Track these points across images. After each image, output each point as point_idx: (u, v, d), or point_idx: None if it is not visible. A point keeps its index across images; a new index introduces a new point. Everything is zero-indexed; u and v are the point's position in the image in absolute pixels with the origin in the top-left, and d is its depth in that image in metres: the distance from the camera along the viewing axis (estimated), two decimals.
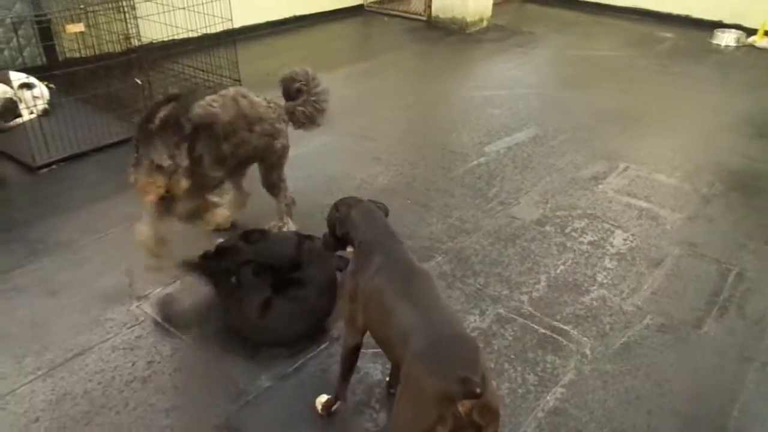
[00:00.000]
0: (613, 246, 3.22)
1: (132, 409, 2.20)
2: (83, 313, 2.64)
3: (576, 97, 5.26)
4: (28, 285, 2.79)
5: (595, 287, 2.92)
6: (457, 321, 1.75)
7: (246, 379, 2.33)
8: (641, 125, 4.69)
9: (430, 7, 7.25)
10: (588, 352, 2.54)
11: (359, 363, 2.34)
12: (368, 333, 1.98)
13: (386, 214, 2.11)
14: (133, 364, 2.39)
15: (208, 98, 2.78)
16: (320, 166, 3.89)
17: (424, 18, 7.35)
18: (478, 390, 1.48)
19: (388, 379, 2.31)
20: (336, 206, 2.10)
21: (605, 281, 2.96)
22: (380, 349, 1.94)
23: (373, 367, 2.39)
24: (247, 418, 2.18)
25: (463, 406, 1.48)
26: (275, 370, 2.38)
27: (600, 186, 3.81)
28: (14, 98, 4.32)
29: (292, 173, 3.17)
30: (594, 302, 2.82)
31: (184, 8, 4.87)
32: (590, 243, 3.25)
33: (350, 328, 2.03)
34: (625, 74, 5.87)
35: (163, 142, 2.46)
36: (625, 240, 3.28)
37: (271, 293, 2.47)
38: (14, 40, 4.86)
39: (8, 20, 4.66)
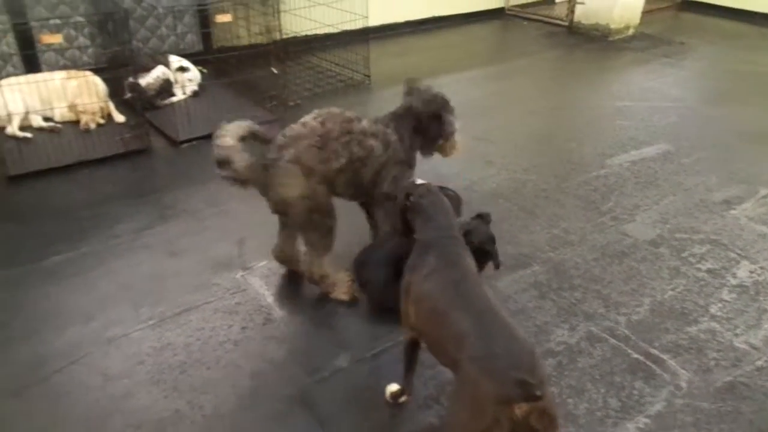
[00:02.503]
0: (735, 277, 2.94)
1: (221, 367, 2.39)
2: (195, 275, 2.90)
3: (721, 114, 4.82)
4: (153, 244, 3.12)
5: (705, 318, 2.69)
6: (513, 326, 1.72)
7: (325, 357, 2.44)
8: None
9: (573, 12, 7.00)
10: (684, 385, 2.35)
11: (434, 359, 2.38)
12: None
13: (458, 203, 2.09)
14: (229, 327, 2.59)
15: None
16: (432, 164, 3.90)
17: (565, 23, 7.11)
18: (538, 392, 1.45)
19: None
20: (407, 194, 2.12)
21: (718, 314, 2.72)
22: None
23: None
24: (320, 393, 2.28)
25: (520, 409, 1.47)
26: (354, 353, 2.46)
27: (732, 211, 3.48)
28: (171, 79, 4.82)
29: None
30: (701, 334, 2.60)
31: (324, 4, 5.13)
32: (708, 271, 2.99)
33: (404, 323, 2.06)
34: None
35: None
36: (751, 272, 2.98)
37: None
38: (179, 27, 5.41)
39: (176, 8, 5.19)
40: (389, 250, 2.59)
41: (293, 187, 2.47)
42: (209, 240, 3.16)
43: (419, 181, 2.19)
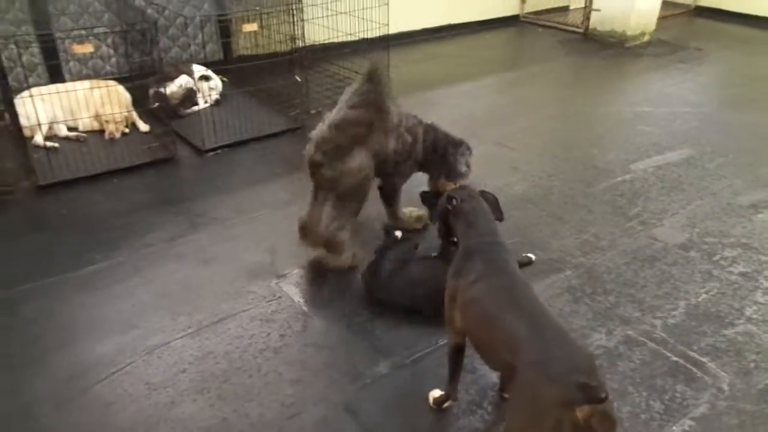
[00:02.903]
0: None
1: (263, 374, 2.40)
2: (229, 283, 2.92)
3: (742, 119, 4.83)
4: (186, 253, 3.14)
5: (741, 321, 2.69)
6: (565, 330, 1.73)
7: (366, 363, 2.45)
8: None
9: (588, 19, 7.03)
10: (726, 387, 2.35)
11: (476, 365, 2.39)
12: None
13: (496, 203, 2.13)
14: (267, 335, 2.60)
15: None
16: None
17: (580, 30, 7.13)
18: (603, 395, 1.46)
19: (500, 384, 2.31)
20: (449, 197, 2.14)
21: (755, 316, 2.72)
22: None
23: (488, 370, 2.40)
24: (363, 400, 2.29)
25: (582, 412, 1.46)
26: (394, 359, 2.47)
27: (760, 215, 3.48)
28: (194, 88, 4.86)
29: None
30: (739, 337, 2.60)
31: (346, 13, 5.17)
32: (741, 274, 2.99)
33: (449, 328, 2.07)
34: None
35: None
36: None
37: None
38: (200, 36, 5.46)
39: (197, 18, 5.24)
40: (398, 249, 2.82)
41: (356, 159, 2.79)
42: (241, 248, 3.18)
43: (460, 184, 2.21)
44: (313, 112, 4.77)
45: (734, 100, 5.27)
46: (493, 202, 2.18)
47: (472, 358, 2.33)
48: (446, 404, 2.23)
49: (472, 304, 1.91)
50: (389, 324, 2.67)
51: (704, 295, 2.85)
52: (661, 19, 7.05)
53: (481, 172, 3.77)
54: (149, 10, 5.01)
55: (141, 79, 4.58)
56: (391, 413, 2.24)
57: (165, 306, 2.76)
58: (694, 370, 2.43)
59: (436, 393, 2.25)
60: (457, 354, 2.12)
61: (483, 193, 2.18)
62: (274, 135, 4.48)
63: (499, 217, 2.16)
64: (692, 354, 2.51)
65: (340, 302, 2.81)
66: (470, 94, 5.37)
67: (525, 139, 4.52)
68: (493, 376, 2.37)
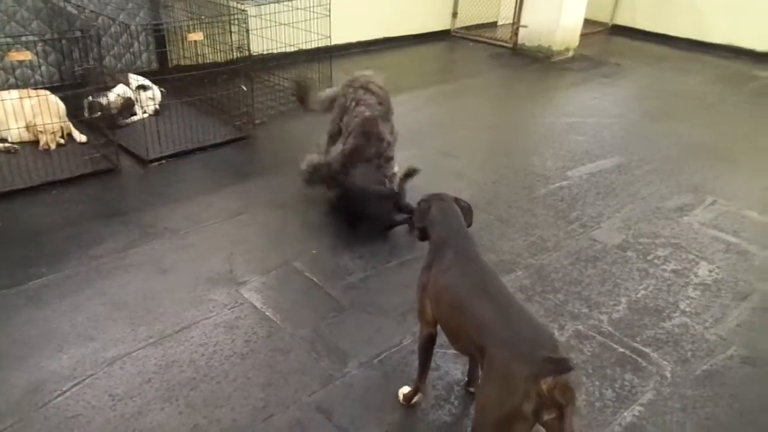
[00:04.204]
0: (697, 276, 3.21)
1: (232, 380, 2.39)
2: (189, 291, 2.88)
3: (663, 129, 5.23)
4: (141, 262, 3.07)
5: (677, 314, 2.93)
6: (530, 313, 1.89)
7: (334, 365, 2.49)
8: (730, 161, 4.63)
9: (516, 34, 7.38)
10: (668, 375, 2.55)
11: (440, 362, 2.49)
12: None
13: (469, 211, 2.26)
14: (232, 341, 2.59)
15: None
16: None
17: (509, 45, 7.47)
18: (569, 365, 1.61)
19: (467, 378, 2.41)
20: (420, 201, 2.29)
21: (688, 309, 2.96)
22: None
23: (453, 367, 2.50)
24: (335, 400, 2.33)
25: (546, 384, 1.61)
26: (360, 360, 2.53)
27: (685, 218, 3.79)
28: (132, 98, 4.74)
29: None
30: (675, 328, 2.83)
31: (287, 24, 5.21)
32: (673, 271, 3.25)
33: (422, 319, 2.18)
34: (716, 110, 5.79)
35: None
36: (710, 271, 3.26)
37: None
38: (135, 45, 5.33)
39: (132, 27, 5.11)
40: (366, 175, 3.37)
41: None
42: (197, 257, 3.15)
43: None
44: (258, 122, 4.76)
45: (653, 111, 5.69)
46: (466, 209, 2.30)
47: (436, 355, 2.43)
48: (415, 399, 2.30)
49: (444, 290, 2.03)
50: (354, 326, 2.72)
51: (643, 291, 3.08)
52: (582, 36, 7.50)
53: (428, 179, 3.90)
54: (83, 17, 4.85)
55: (75, 88, 4.42)
56: (363, 411, 2.29)
57: (123, 317, 2.69)
58: (639, 360, 2.63)
59: (405, 389, 2.32)
60: (428, 345, 2.21)
61: (457, 200, 2.30)
62: (220, 145, 4.44)
63: (469, 222, 2.27)
64: (636, 345, 2.71)
65: (304, 307, 2.84)
66: (410, 105, 5.52)
67: (467, 147, 4.70)
68: (458, 373, 2.47)
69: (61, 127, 4.29)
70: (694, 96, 6.16)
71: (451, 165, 4.34)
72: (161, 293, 2.85)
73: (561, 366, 1.62)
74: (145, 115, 4.78)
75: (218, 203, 3.67)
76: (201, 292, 2.88)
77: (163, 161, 4.17)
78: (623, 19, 8.49)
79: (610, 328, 2.80)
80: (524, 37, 7.31)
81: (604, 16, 8.51)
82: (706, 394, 2.47)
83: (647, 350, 2.68)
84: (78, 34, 3.92)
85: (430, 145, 4.59)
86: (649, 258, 3.36)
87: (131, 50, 5.34)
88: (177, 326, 2.66)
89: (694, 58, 7.52)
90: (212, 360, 2.49)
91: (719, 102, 6.01)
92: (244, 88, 4.49)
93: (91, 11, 4.88)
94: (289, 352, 2.56)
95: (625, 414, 2.35)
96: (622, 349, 2.68)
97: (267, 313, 2.77)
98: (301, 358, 2.53)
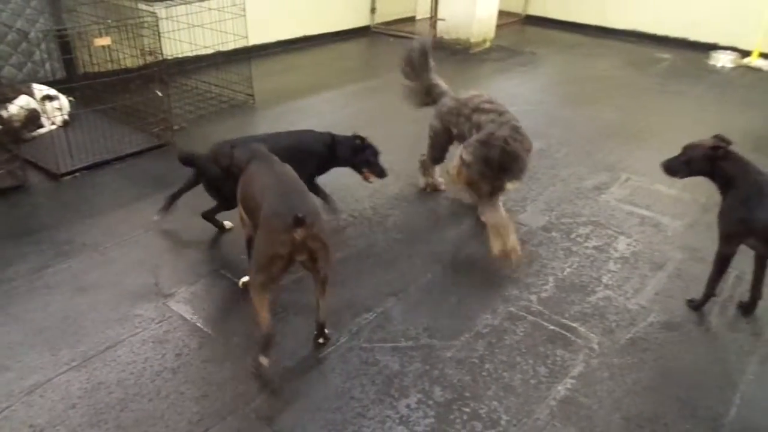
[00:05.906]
0: (616, 250, 3.36)
1: (164, 397, 2.31)
2: (112, 309, 2.76)
3: (578, 113, 5.43)
4: (58, 283, 2.91)
5: (600, 288, 3.05)
6: (308, 193, 2.42)
7: (269, 369, 2.44)
8: (641, 140, 4.86)
9: (435, 28, 7.48)
10: (596, 346, 2.66)
11: (379, 356, 2.48)
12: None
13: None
14: (162, 356, 2.50)
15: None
16: (334, 175, 4.03)
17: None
18: (308, 220, 2.14)
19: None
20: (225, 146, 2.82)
21: (610, 282, 3.09)
22: None
23: (391, 360, 2.51)
24: (274, 406, 2.28)
25: (297, 234, 2.16)
26: (296, 361, 2.49)
27: (603, 196, 3.95)
28: (37, 109, 4.48)
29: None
30: (600, 302, 2.95)
31: (201, 26, 5.06)
32: (595, 248, 3.38)
33: (243, 224, 2.67)
34: (626, 92, 6.06)
35: None
36: (628, 245, 3.41)
37: None
38: (37, 53, 5.04)
39: (32, 34, 4.83)
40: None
41: None
42: (119, 272, 3.01)
43: None
44: (176, 127, 4.61)
45: (569, 97, 5.91)
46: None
47: (374, 349, 2.42)
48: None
49: (246, 188, 2.51)
50: (286, 329, 2.68)
51: (568, 269, 3.19)
52: (498, 27, 7.69)
53: (356, 174, 3.89)
54: None
55: None
56: (303, 414, 2.26)
57: (41, 342, 2.54)
58: (568, 335, 2.72)
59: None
60: (250, 245, 2.59)
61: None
62: (137, 153, 4.27)
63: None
64: (565, 321, 2.80)
65: (235, 315, 2.77)
66: (334, 102, 5.50)
67: (392, 142, 4.70)
68: (397, 365, 2.48)
69: None
70: (605, 80, 6.44)
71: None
72: (82, 313, 2.72)
73: (303, 222, 2.12)
74: (54, 127, 4.53)
75: (139, 215, 3.52)
76: (126, 308, 2.76)
77: (77, 174, 3.97)
78: (535, 9, 8.77)
79: (540, 307, 2.89)
80: (443, 30, 7.41)
81: (517, 7, 8.75)
82: (632, 360, 2.59)
83: (575, 325, 2.78)
84: None
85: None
86: (572, 237, 3.48)
87: (32, 59, 5.04)
88: (102, 346, 2.53)
89: (602, 44, 7.86)
90: (142, 378, 2.39)
91: (629, 84, 6.30)
92: (159, 93, 4.33)
93: None
94: (224, 362, 2.49)
95: (559, 388, 2.43)
96: (552, 327, 2.76)
97: (198, 324, 2.69)
98: (236, 366, 2.47)
